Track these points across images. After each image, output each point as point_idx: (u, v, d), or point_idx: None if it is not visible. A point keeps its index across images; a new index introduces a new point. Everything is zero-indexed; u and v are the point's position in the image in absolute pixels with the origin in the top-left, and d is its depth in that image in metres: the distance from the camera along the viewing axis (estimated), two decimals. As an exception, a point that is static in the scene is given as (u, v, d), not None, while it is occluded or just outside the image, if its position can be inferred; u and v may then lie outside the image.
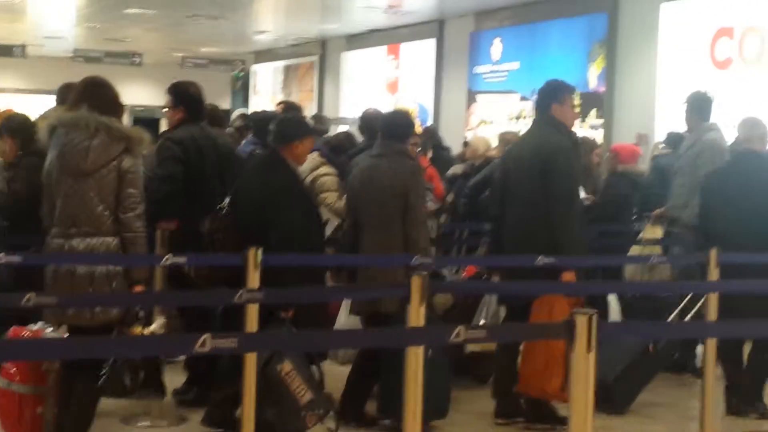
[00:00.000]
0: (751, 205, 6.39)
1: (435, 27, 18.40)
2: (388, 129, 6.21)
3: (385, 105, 17.29)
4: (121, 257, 5.15)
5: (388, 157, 6.11)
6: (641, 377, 6.75)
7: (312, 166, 7.48)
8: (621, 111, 14.36)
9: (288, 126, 6.11)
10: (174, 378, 6.52)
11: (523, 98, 16.15)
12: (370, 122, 7.12)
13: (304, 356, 5.52)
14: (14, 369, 5.11)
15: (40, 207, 5.32)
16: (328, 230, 7.14)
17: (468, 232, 9.14)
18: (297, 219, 5.79)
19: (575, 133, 6.60)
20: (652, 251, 8.05)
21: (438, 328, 4.46)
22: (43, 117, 7.02)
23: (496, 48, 16.86)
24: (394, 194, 5.99)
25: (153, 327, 5.30)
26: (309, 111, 19.40)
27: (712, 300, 5.82)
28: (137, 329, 5.15)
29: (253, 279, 5.17)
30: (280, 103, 9.90)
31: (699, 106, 7.81)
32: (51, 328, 5.12)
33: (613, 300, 8.12)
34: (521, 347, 6.14)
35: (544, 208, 5.98)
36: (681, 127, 8.56)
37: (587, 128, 13.95)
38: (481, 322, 7.02)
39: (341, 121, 16.42)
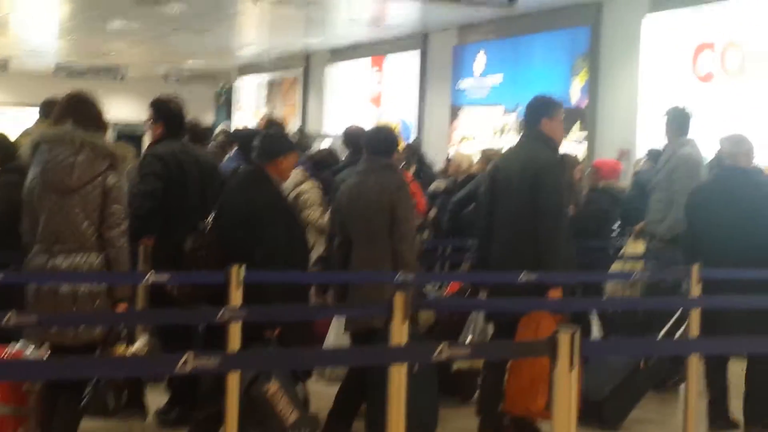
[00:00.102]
0: (736, 221, 6.40)
1: (419, 40, 18.44)
2: (373, 144, 6.22)
3: (369, 119, 17.34)
4: (103, 275, 5.12)
5: (375, 172, 6.11)
6: (632, 394, 6.75)
7: (295, 182, 7.47)
8: (603, 125, 14.40)
9: (272, 142, 6.10)
10: (156, 398, 6.49)
11: (507, 111, 16.19)
12: (353, 138, 7.13)
13: (290, 376, 5.50)
14: (-5, 389, 5.08)
15: (19, 224, 5.29)
16: (317, 251, 7.14)
17: (451, 248, 9.14)
18: (281, 235, 5.77)
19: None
20: (634, 267, 8.07)
21: (421, 345, 4.46)
22: (25, 133, 7.00)
23: (480, 61, 16.90)
24: (382, 209, 5.99)
25: (136, 346, 5.27)
26: (293, 125, 19.44)
27: (695, 316, 5.84)
28: (120, 348, 5.12)
29: (236, 297, 5.15)
30: (262, 118, 9.90)
31: (677, 121, 7.85)
32: (32, 347, 5.09)
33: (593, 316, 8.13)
34: (508, 365, 6.14)
35: (531, 224, 5.98)
36: (662, 141, 8.60)
37: (570, 142, 13.98)
38: (468, 339, 7.01)
39: (325, 135, 16.42)
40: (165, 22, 17.64)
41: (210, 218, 6.00)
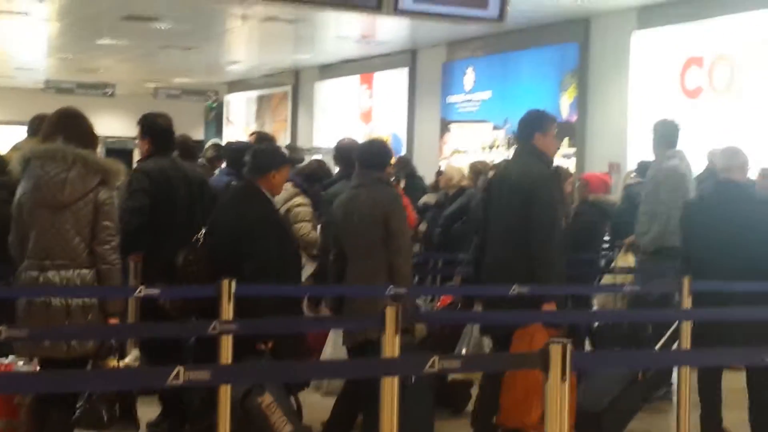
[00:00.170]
0: (731, 235, 6.40)
1: (408, 57, 18.49)
2: (366, 158, 6.22)
3: (359, 134, 17.36)
4: (95, 289, 5.12)
5: (368, 186, 6.12)
6: (631, 406, 6.75)
7: (286, 197, 7.47)
8: (593, 140, 14.46)
9: (263, 157, 6.11)
10: (147, 411, 6.47)
11: (496, 127, 16.24)
12: (344, 152, 7.12)
13: (284, 388, 5.49)
14: (-15, 403, 5.07)
15: (7, 238, 5.28)
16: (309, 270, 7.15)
17: (442, 261, 9.14)
18: (273, 250, 5.78)
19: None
20: (625, 280, 8.08)
21: (413, 357, 4.45)
22: (15, 148, 6.98)
23: (469, 77, 16.96)
24: (376, 222, 6.00)
25: (127, 359, 5.26)
26: (283, 141, 19.44)
27: (686, 328, 5.84)
28: (111, 362, 5.11)
29: (227, 310, 5.14)
30: (252, 134, 9.90)
31: (664, 135, 7.86)
32: (22, 362, 5.07)
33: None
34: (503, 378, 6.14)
35: (525, 238, 5.99)
36: (652, 154, 8.62)
37: (560, 157, 14.02)
38: (463, 351, 7.02)
39: (315, 150, 16.43)
40: (154, 39, 17.67)
41: (201, 233, 5.99)
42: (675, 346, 6.64)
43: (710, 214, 6.53)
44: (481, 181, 8.69)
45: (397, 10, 9.50)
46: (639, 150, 12.21)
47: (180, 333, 5.69)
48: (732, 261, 6.31)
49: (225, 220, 5.93)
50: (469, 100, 16.94)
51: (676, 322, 6.55)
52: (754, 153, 8.07)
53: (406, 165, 10.76)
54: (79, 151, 5.12)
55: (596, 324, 8.05)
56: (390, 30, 16.45)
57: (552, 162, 6.39)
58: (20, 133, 7.35)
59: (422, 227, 9.46)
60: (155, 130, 6.49)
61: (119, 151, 17.27)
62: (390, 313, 4.44)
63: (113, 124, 23.39)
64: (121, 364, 5.18)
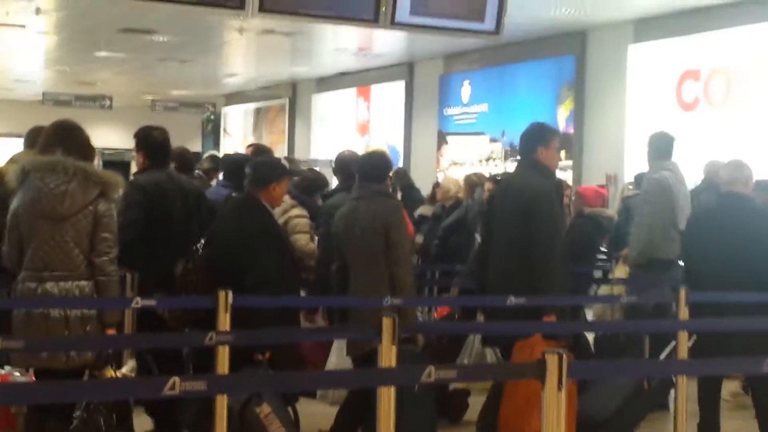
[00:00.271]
0: (734, 247, 6.41)
1: (405, 69, 18.53)
2: (366, 171, 6.25)
3: (356, 147, 17.37)
4: (92, 301, 5.13)
5: (368, 198, 6.14)
6: (635, 415, 6.75)
7: (284, 208, 7.48)
8: (590, 152, 14.48)
9: (264, 169, 6.14)
10: (143, 421, 6.45)
11: (493, 140, 16.26)
12: (344, 164, 7.14)
13: (281, 398, 5.50)
14: (-18, 414, 5.06)
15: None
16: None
17: (439, 273, 9.15)
18: (273, 262, 5.81)
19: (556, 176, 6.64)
20: (622, 291, 8.09)
21: (409, 367, 4.46)
22: (12, 161, 6.98)
23: (466, 90, 16.99)
24: (376, 233, 6.02)
25: (124, 370, 5.27)
26: (280, 153, 19.46)
27: (683, 338, 5.85)
28: (109, 372, 5.12)
29: (224, 321, 5.15)
30: (250, 146, 9.90)
31: (657, 147, 7.87)
32: (19, 372, 5.08)
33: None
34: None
35: (526, 250, 6.00)
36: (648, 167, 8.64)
37: (557, 170, 14.04)
38: (465, 362, 7.03)
39: (312, 163, 16.44)
40: (151, 51, 17.69)
41: (201, 243, 6.01)
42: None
43: (713, 226, 6.54)
44: (477, 193, 8.70)
45: (393, 24, 9.52)
46: (636, 162, 12.22)
47: (177, 343, 5.69)
48: (734, 273, 6.32)
49: (225, 232, 5.95)
50: (466, 113, 16.97)
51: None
52: (750, 166, 8.07)
53: (403, 177, 10.77)
54: (79, 163, 5.15)
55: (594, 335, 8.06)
56: (387, 43, 16.48)
57: (554, 175, 6.40)
58: (18, 145, 7.34)
59: (419, 239, 9.46)
60: (150, 143, 6.50)
61: (116, 163, 17.28)
62: (387, 323, 4.45)
63: (111, 137, 23.42)
64: (118, 374, 5.17)
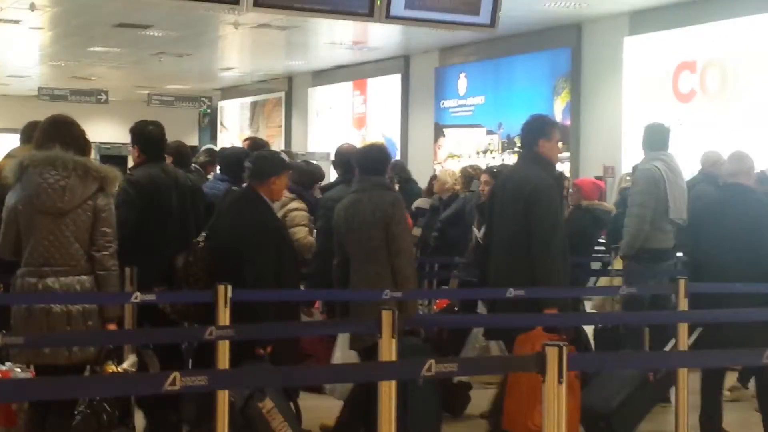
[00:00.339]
0: (738, 237, 6.41)
1: (400, 62, 18.52)
2: (365, 163, 6.25)
3: (353, 140, 17.36)
4: (91, 296, 5.13)
5: (368, 191, 6.14)
6: (641, 407, 6.75)
7: (282, 202, 7.46)
8: (587, 144, 14.49)
9: (264, 162, 6.13)
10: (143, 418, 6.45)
11: (490, 132, 16.26)
12: (344, 157, 7.12)
13: (283, 393, 5.51)
14: (-17, 410, 5.06)
15: None
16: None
17: (438, 265, 9.14)
18: (272, 257, 5.80)
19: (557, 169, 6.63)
20: (621, 283, 8.08)
21: (409, 361, 4.46)
22: (8, 156, 6.96)
23: (462, 83, 16.99)
24: (377, 226, 6.02)
25: (125, 365, 5.26)
26: (277, 146, 19.42)
27: (682, 330, 5.86)
28: (110, 367, 5.12)
29: (224, 316, 5.15)
30: (246, 140, 9.88)
31: (650, 137, 7.84)
32: (20, 369, 5.07)
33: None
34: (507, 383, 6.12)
35: (527, 244, 6.01)
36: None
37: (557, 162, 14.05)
38: (469, 355, 7.03)
39: (310, 156, 16.43)
40: (146, 46, 17.67)
41: (202, 236, 6.01)
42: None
43: (717, 217, 6.54)
44: (473, 185, 8.70)
45: (389, 17, 9.50)
46: (633, 153, 12.23)
47: (177, 338, 5.69)
48: (738, 264, 6.32)
49: (225, 225, 5.95)
50: (463, 105, 16.97)
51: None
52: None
53: (400, 170, 10.75)
54: (79, 158, 5.16)
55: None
56: (382, 36, 16.47)
57: (554, 168, 6.39)
58: (14, 140, 7.33)
59: (416, 232, 9.45)
60: (146, 138, 6.47)
61: (113, 157, 17.22)
62: (386, 316, 4.45)
63: (107, 131, 23.37)
64: (119, 369, 5.17)
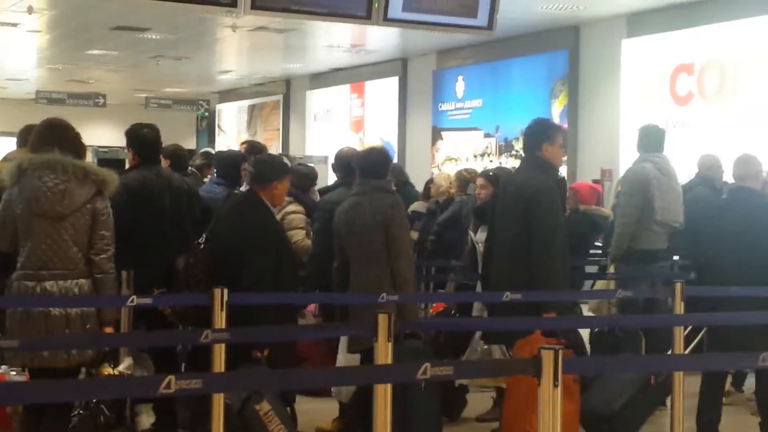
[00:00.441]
0: (745, 242, 6.40)
1: (398, 65, 18.53)
2: (366, 166, 6.26)
3: (351, 143, 17.37)
4: (87, 299, 5.13)
5: (369, 194, 6.16)
6: (642, 410, 6.75)
7: (280, 205, 7.46)
8: (584, 147, 14.49)
9: (266, 167, 6.15)
10: (142, 419, 6.45)
11: (488, 135, 16.27)
12: (344, 160, 7.12)
13: (280, 396, 5.51)
14: (-22, 414, 5.05)
15: None
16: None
17: (435, 269, 9.14)
18: (271, 260, 5.82)
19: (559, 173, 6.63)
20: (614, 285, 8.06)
21: (405, 364, 4.46)
22: (5, 159, 6.96)
23: (460, 85, 16.99)
24: (378, 229, 6.04)
25: (121, 367, 5.26)
26: (275, 150, 19.47)
27: (678, 333, 5.85)
28: (106, 369, 5.12)
29: (220, 319, 5.14)
30: (244, 143, 9.87)
31: (644, 139, 7.83)
32: (15, 372, 5.07)
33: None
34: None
35: (527, 247, 6.01)
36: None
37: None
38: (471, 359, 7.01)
39: (308, 159, 16.45)
40: (144, 49, 17.67)
41: (203, 238, 6.03)
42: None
43: (724, 221, 6.52)
44: (469, 188, 8.70)
45: (386, 20, 9.51)
46: (631, 156, 12.14)
47: (173, 342, 5.69)
48: (744, 268, 6.31)
49: (226, 228, 5.97)
50: (461, 108, 16.97)
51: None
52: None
53: (398, 173, 10.74)
54: (78, 161, 5.17)
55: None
56: (380, 39, 16.47)
57: (557, 171, 6.39)
58: (11, 144, 7.32)
59: (413, 235, 9.44)
60: (140, 140, 6.46)
61: (111, 160, 17.25)
62: (382, 320, 4.44)
63: (104, 134, 23.40)
64: (115, 371, 5.17)
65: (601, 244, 9.16)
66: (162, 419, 6.24)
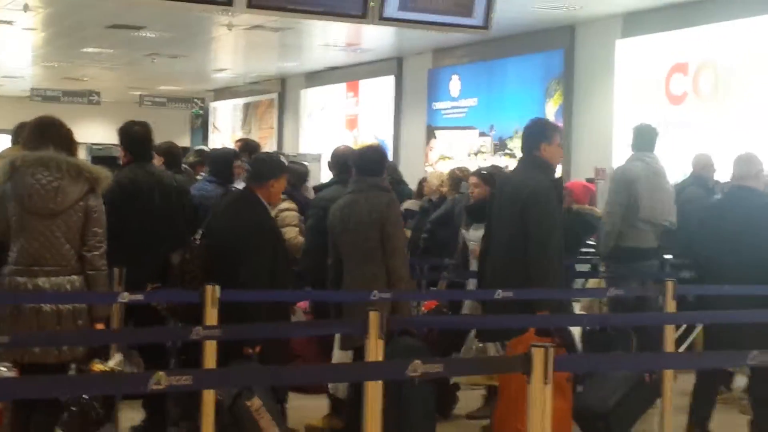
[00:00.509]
0: (745, 241, 6.41)
1: (393, 64, 18.53)
2: (363, 164, 6.28)
3: (346, 141, 17.37)
4: (79, 295, 5.14)
5: (364, 192, 6.18)
6: (636, 408, 6.76)
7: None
8: (579, 146, 14.50)
9: (263, 165, 6.17)
10: (129, 414, 6.44)
11: (482, 134, 16.27)
12: (340, 158, 7.14)
13: (271, 394, 5.52)
14: (-33, 409, 5.05)
15: None
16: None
17: (428, 267, 9.13)
18: (266, 258, 5.84)
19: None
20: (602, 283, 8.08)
21: (395, 362, 4.47)
22: None
23: (455, 84, 17.00)
24: (373, 227, 6.06)
25: (111, 363, 5.27)
26: (269, 148, 19.47)
27: (669, 332, 5.87)
28: (96, 365, 5.13)
29: (211, 316, 5.15)
30: (238, 141, 9.88)
31: (636, 138, 7.85)
32: (5, 368, 5.07)
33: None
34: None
35: (523, 247, 6.02)
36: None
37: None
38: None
39: (302, 157, 16.44)
40: (139, 47, 17.66)
41: (199, 234, 6.05)
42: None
43: (724, 220, 6.53)
44: (462, 187, 8.70)
45: (382, 19, 9.52)
46: (625, 156, 12.19)
47: (164, 338, 5.70)
48: (744, 267, 6.32)
49: (222, 225, 6.00)
50: (456, 107, 16.98)
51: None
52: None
53: (392, 171, 10.74)
54: (71, 159, 5.18)
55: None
56: (375, 38, 16.47)
57: (554, 171, 6.40)
58: (6, 141, 7.33)
59: (406, 233, 9.44)
60: (130, 138, 6.47)
61: (105, 158, 17.22)
62: (373, 317, 4.45)
63: (99, 132, 23.34)
64: (105, 367, 5.17)
65: (594, 243, 9.17)
66: (152, 416, 6.24)
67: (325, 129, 20.21)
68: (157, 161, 7.72)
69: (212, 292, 5.17)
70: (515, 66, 15.67)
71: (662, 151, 7.88)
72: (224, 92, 24.68)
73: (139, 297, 5.52)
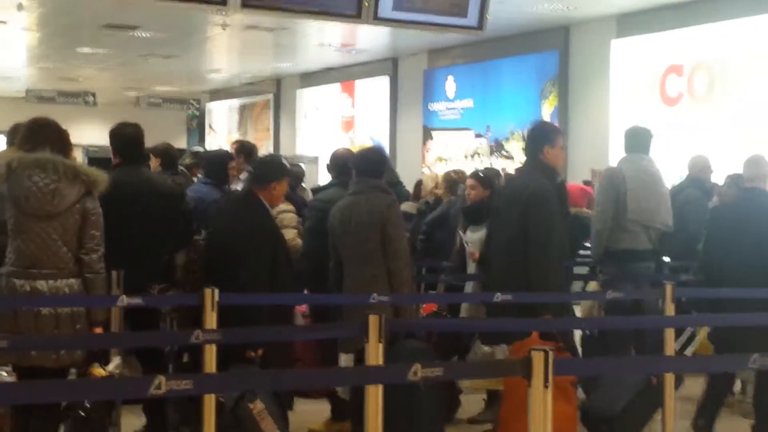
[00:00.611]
0: (755, 243, 6.41)
1: (389, 65, 18.52)
2: (363, 166, 6.29)
3: (341, 142, 17.38)
4: (77, 299, 5.13)
5: (365, 193, 6.18)
6: (643, 412, 6.75)
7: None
8: (575, 147, 14.49)
9: (266, 167, 6.17)
10: (132, 420, 6.44)
11: (478, 135, 16.27)
12: (340, 161, 7.13)
13: (273, 398, 5.52)
14: (-35, 414, 5.04)
15: None
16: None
17: (426, 269, 9.13)
18: (268, 261, 5.84)
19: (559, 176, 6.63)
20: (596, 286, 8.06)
21: (396, 366, 4.46)
22: (-5, 157, 6.93)
23: (450, 85, 16.99)
24: (373, 228, 6.05)
25: (110, 367, 5.25)
26: (265, 149, 19.45)
27: (669, 335, 5.86)
28: (96, 369, 5.11)
29: (210, 319, 5.14)
30: (235, 142, 9.87)
31: (629, 141, 7.83)
32: (5, 372, 5.06)
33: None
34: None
35: (524, 250, 6.02)
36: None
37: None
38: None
39: (299, 159, 16.44)
40: (134, 47, 17.63)
41: (201, 236, 6.04)
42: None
43: (734, 222, 6.53)
44: (459, 189, 8.70)
45: (376, 18, 9.52)
46: (621, 157, 12.25)
47: (164, 342, 5.69)
48: (754, 269, 6.32)
49: (224, 227, 6.00)
50: (451, 108, 16.97)
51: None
52: (733, 160, 8.07)
53: (389, 173, 10.73)
54: (68, 161, 5.17)
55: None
56: (370, 38, 16.46)
57: (556, 174, 6.40)
58: (1, 142, 7.31)
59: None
60: (121, 140, 6.40)
61: (101, 159, 17.22)
62: (373, 321, 4.44)
63: (94, 133, 23.21)
64: (105, 371, 5.16)
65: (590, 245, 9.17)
66: (153, 421, 6.22)
67: (321, 130, 20.19)
68: (154, 163, 7.71)
69: (211, 295, 5.16)
70: (510, 67, 15.67)
71: (657, 152, 7.86)
72: (220, 93, 24.65)
73: (138, 301, 5.49)
